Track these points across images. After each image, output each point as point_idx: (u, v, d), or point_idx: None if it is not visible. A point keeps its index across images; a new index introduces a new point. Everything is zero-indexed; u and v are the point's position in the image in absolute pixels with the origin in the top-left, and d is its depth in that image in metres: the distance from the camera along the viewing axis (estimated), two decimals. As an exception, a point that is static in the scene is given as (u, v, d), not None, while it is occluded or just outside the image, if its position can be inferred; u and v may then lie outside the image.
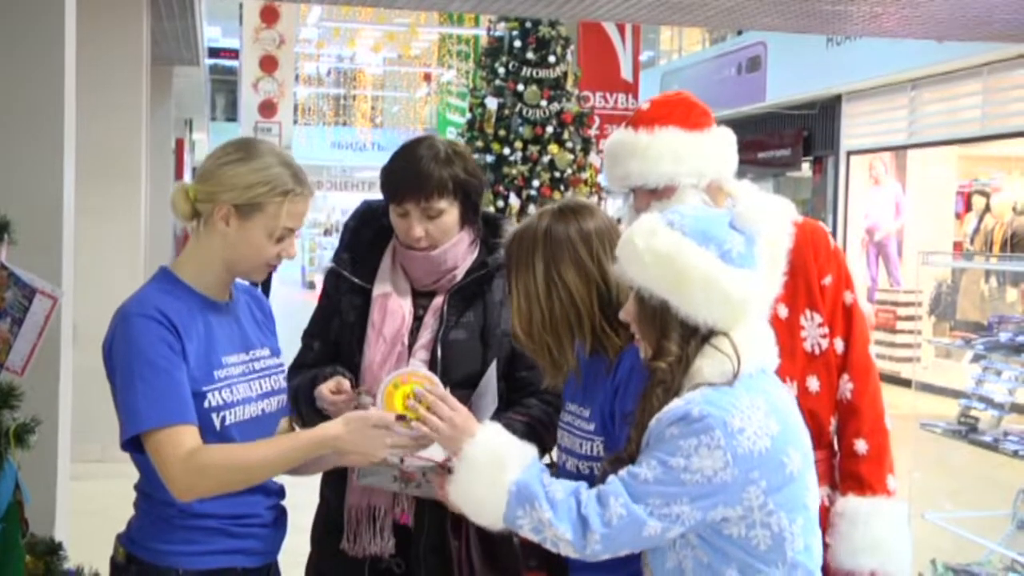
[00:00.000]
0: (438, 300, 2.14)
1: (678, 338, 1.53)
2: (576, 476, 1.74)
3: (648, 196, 2.07)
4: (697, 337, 1.53)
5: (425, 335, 2.12)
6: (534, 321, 1.75)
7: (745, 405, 1.47)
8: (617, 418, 1.70)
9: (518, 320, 1.77)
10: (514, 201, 6.64)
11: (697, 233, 1.54)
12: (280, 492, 1.87)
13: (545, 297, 1.74)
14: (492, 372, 1.94)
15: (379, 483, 1.91)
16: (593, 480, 1.62)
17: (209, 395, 1.71)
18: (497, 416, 1.84)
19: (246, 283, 1.91)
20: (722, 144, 2.12)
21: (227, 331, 1.81)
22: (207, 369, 1.73)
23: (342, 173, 25.27)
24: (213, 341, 1.76)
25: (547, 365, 1.78)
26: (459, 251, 2.13)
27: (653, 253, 1.53)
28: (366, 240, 2.19)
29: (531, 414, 2.02)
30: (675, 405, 1.48)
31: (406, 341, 2.11)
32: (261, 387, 1.81)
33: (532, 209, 6.70)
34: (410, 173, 2.04)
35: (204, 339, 1.74)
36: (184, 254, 1.82)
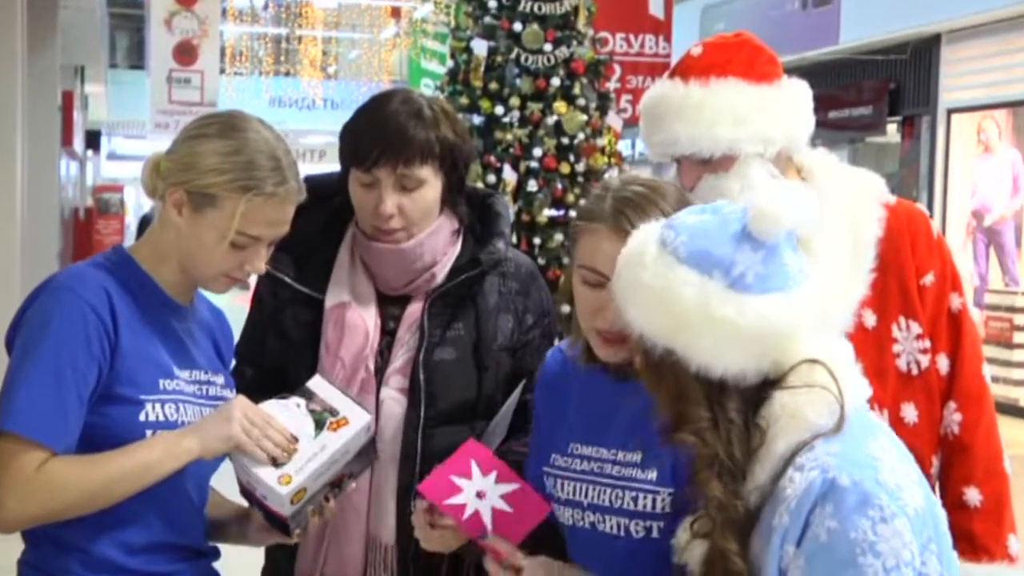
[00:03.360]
0: (414, 308, 2.17)
1: (701, 396, 1.50)
2: (621, 539, 1.78)
3: (699, 168, 2.10)
4: (730, 391, 1.50)
5: (400, 356, 2.15)
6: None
7: (877, 451, 1.46)
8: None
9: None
10: (509, 175, 6.64)
11: (695, 256, 1.52)
12: (213, 553, 1.96)
13: None
14: (510, 409, 1.99)
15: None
16: (658, 546, 1.66)
17: (148, 407, 1.80)
18: (503, 451, 1.90)
19: (208, 297, 2.03)
20: (795, 102, 2.15)
21: (183, 342, 1.91)
22: (152, 375, 1.82)
23: (284, 139, 25.29)
24: (167, 346, 1.86)
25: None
26: (438, 242, 2.16)
27: (643, 289, 1.53)
28: (312, 231, 2.19)
29: None
30: (800, 482, 1.43)
31: (371, 365, 2.14)
32: None
33: (532, 185, 6.82)
34: (386, 130, 2.07)
35: (155, 340, 1.85)
36: (144, 238, 1.93)
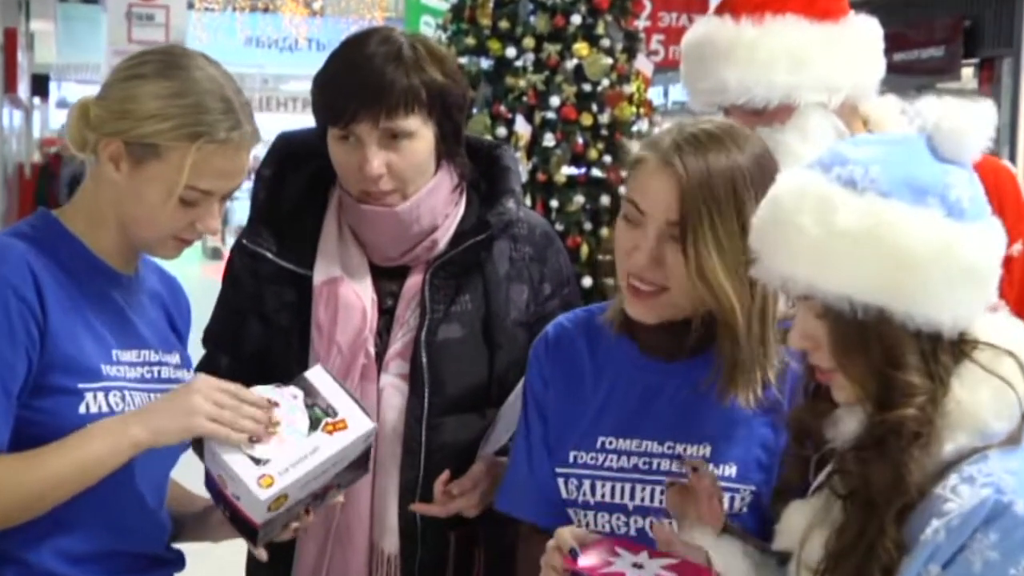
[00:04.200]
0: (414, 281, 2.17)
1: (918, 362, 1.45)
2: None
3: (750, 119, 2.10)
4: (943, 350, 1.46)
5: (400, 336, 2.15)
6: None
7: None
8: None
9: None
10: (522, 127, 6.62)
11: (903, 185, 1.46)
12: (175, 561, 1.93)
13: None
14: (520, 392, 1.99)
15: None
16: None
17: (89, 397, 1.77)
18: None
19: (158, 262, 1.99)
20: (863, 42, 2.16)
21: (127, 317, 1.88)
22: (91, 359, 1.79)
23: (263, 86, 25.29)
24: (108, 324, 1.83)
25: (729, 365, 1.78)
26: (437, 202, 2.16)
27: (842, 238, 1.45)
28: (293, 197, 2.21)
29: None
30: (969, 498, 1.39)
31: (372, 349, 2.13)
32: None
33: (548, 139, 6.78)
34: (361, 79, 2.07)
35: (93, 317, 1.81)
36: (75, 200, 1.89)
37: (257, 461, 1.76)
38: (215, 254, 19.95)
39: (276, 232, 2.19)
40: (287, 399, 1.85)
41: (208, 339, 2.28)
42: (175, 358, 1.95)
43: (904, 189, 1.45)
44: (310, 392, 1.87)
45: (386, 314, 2.17)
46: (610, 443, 1.85)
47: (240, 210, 20.54)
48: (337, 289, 2.14)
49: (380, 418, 2.11)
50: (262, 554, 1.89)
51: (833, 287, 1.46)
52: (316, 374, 1.91)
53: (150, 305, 1.96)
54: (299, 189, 2.21)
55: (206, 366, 2.20)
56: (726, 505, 1.73)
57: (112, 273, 1.87)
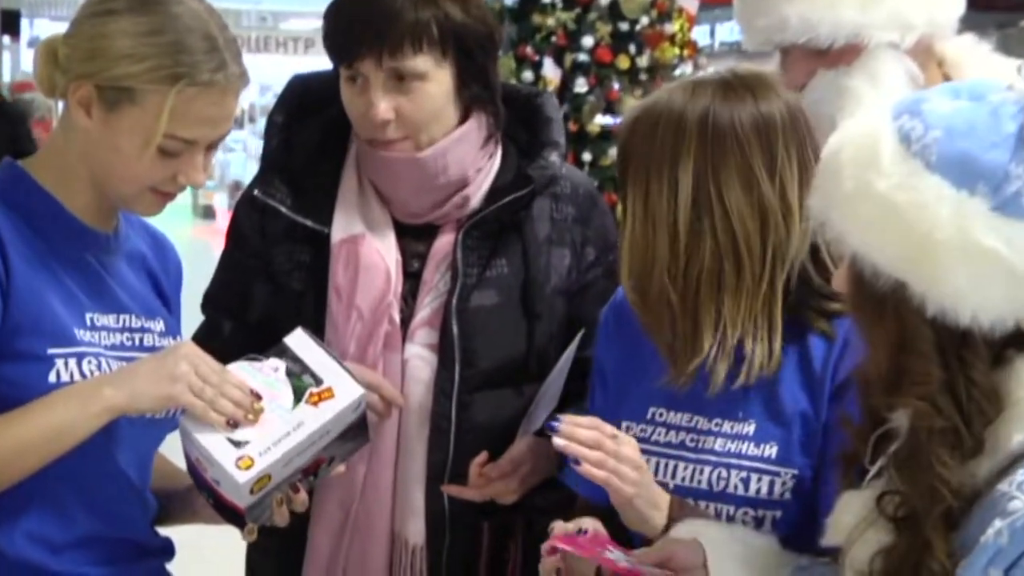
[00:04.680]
0: (444, 241, 2.16)
1: (934, 349, 1.45)
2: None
3: (813, 60, 2.12)
4: (980, 343, 1.45)
5: (428, 302, 2.14)
6: (658, 268, 1.78)
7: None
8: (835, 435, 1.72)
9: (630, 262, 1.81)
10: (550, 71, 6.62)
11: (953, 162, 1.43)
12: (164, 550, 1.93)
13: (687, 230, 1.77)
14: (564, 369, 2.00)
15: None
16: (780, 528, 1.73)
17: (59, 364, 1.75)
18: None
19: (143, 218, 1.97)
20: None
21: (103, 279, 1.86)
22: (63, 323, 1.77)
23: (260, 24, 25.31)
24: (82, 286, 1.82)
25: (665, 347, 1.83)
26: (466, 154, 2.14)
27: (874, 200, 1.46)
28: (309, 146, 2.21)
29: None
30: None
31: (396, 315, 2.12)
32: None
33: (580, 84, 6.75)
34: (366, 12, 2.06)
35: (65, 278, 1.80)
36: (44, 148, 1.89)
37: (236, 443, 1.75)
38: (207, 213, 19.92)
39: (290, 184, 2.17)
40: (267, 373, 1.83)
41: (209, 303, 2.26)
42: (159, 324, 1.92)
43: (954, 168, 1.43)
44: (290, 359, 1.85)
45: (412, 278, 2.16)
46: (660, 415, 1.88)
47: (235, 164, 20.52)
48: (358, 248, 2.13)
49: (404, 393, 2.11)
50: (247, 535, 1.87)
51: (858, 245, 1.47)
52: (297, 339, 1.88)
53: (131, 267, 1.93)
54: (315, 138, 2.21)
55: (206, 334, 2.19)
56: (762, 490, 1.79)
57: (87, 231, 1.85)
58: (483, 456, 2.04)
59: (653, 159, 1.78)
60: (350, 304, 2.12)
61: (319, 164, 2.20)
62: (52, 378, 1.74)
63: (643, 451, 1.83)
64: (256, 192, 2.18)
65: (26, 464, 1.70)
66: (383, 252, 2.14)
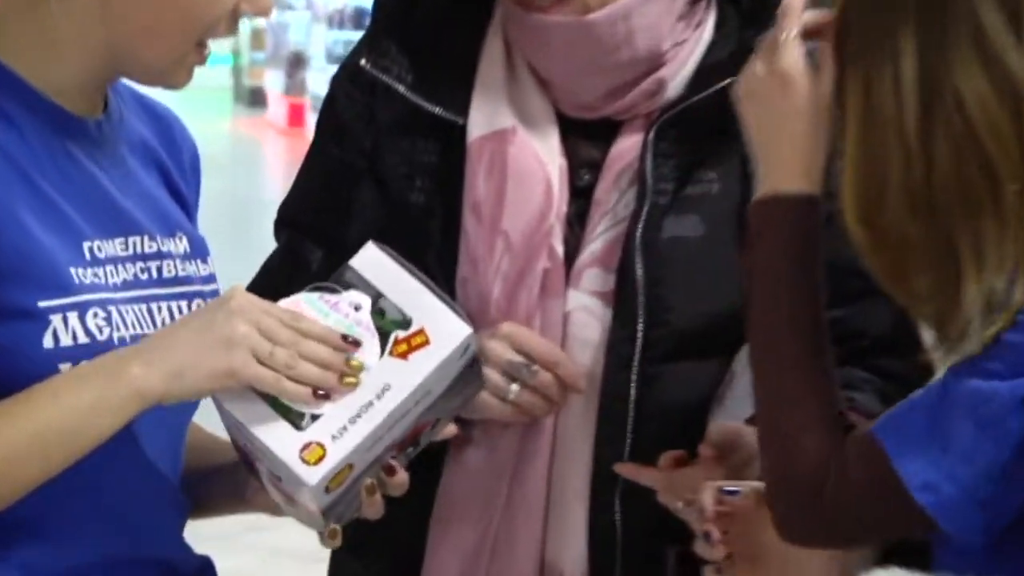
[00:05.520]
0: (627, 144, 1.87)
1: None
2: None
3: None
4: None
5: (602, 230, 1.87)
6: (891, 189, 1.61)
7: None
8: None
9: (855, 185, 1.60)
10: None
11: None
12: (202, 569, 1.72)
13: (916, 131, 1.58)
14: None
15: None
16: None
17: (56, 321, 1.52)
18: None
19: (135, 88, 1.73)
20: None
21: (97, 184, 1.62)
22: (54, 259, 1.54)
23: None
24: (70, 200, 1.58)
25: (900, 289, 1.64)
26: (657, 16, 1.87)
27: None
28: (436, 13, 1.95)
29: (857, 408, 1.74)
30: None
31: (559, 247, 1.84)
32: (172, 318, 1.63)
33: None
34: None
35: (48, 190, 1.56)
36: (7, 17, 1.61)
37: (298, 422, 1.46)
38: (255, 99, 17.95)
39: (411, 55, 1.89)
40: (345, 312, 1.53)
41: (286, 221, 1.98)
42: (181, 243, 1.66)
43: None
44: (366, 289, 1.56)
45: (579, 195, 1.87)
46: None
47: (296, 27, 17.29)
48: (506, 147, 1.85)
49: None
50: (330, 541, 1.62)
51: None
52: (369, 258, 1.57)
53: (135, 161, 1.65)
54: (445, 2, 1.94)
55: (286, 266, 1.93)
56: None
57: (69, 118, 1.59)
58: (680, 453, 1.80)
59: (871, 40, 1.64)
60: (494, 227, 1.85)
61: (451, 31, 1.92)
62: (48, 342, 1.50)
63: None
64: (364, 62, 1.91)
65: (18, 477, 1.50)
66: (542, 155, 1.85)
